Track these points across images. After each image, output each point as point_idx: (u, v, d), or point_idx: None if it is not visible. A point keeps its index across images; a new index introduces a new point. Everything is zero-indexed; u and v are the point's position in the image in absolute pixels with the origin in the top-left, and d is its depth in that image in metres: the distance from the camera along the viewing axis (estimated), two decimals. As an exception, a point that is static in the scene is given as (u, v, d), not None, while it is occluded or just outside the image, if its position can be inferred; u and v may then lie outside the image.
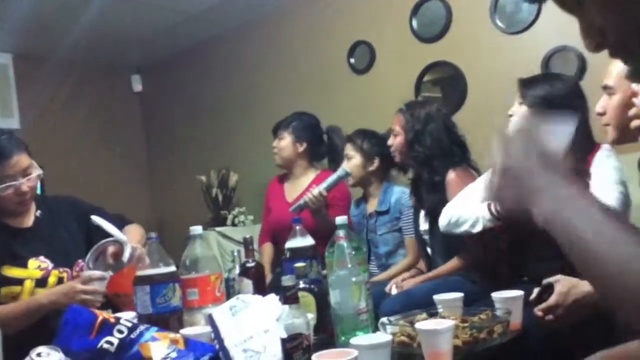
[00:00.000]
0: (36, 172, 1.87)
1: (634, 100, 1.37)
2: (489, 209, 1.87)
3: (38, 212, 1.99)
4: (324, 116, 3.36)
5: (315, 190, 2.63)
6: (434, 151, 2.28)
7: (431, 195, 2.28)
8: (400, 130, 2.38)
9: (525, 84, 1.94)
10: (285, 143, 2.92)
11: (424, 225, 2.41)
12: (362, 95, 3.70)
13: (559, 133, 0.79)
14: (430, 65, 3.41)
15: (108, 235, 1.83)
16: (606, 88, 1.63)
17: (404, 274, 2.43)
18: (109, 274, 1.77)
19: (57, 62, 4.33)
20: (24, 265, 1.87)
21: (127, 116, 5.10)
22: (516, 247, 2.01)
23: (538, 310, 1.56)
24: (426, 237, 2.41)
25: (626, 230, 0.61)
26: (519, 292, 1.57)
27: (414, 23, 3.45)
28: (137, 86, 5.12)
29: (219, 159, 4.42)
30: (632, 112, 1.38)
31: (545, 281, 1.59)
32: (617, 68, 1.51)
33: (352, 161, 2.71)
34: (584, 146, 1.85)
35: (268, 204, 3.06)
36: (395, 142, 2.41)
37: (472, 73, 3.24)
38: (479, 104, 3.18)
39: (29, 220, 1.97)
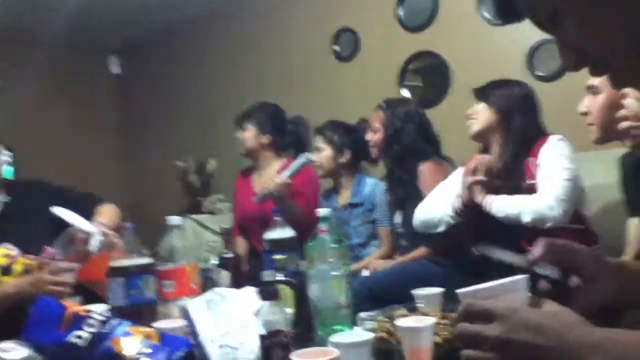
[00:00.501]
0: (1, 157, 1.81)
1: (624, 101, 1.36)
2: (452, 207, 2.04)
3: (5, 198, 1.92)
4: (307, 103, 3.32)
5: (279, 178, 2.60)
6: (409, 150, 2.35)
7: (401, 190, 2.36)
8: (379, 127, 2.42)
9: (485, 88, 2.14)
10: (249, 134, 2.86)
11: (397, 219, 2.46)
12: (347, 82, 3.66)
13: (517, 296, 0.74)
14: (415, 54, 3.38)
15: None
16: (590, 88, 1.63)
17: (374, 260, 2.52)
18: (77, 265, 1.71)
19: (33, 41, 4.21)
20: None
21: (104, 98, 5.00)
22: (477, 236, 2.06)
23: None
24: (400, 230, 2.46)
25: None
26: (483, 285, 1.55)
27: (400, 11, 3.41)
28: (115, 68, 5.01)
29: (197, 144, 4.35)
30: (622, 113, 1.37)
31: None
32: None
33: (323, 153, 2.71)
34: (530, 140, 2.01)
35: (237, 195, 3.03)
36: (375, 138, 2.44)
37: (457, 64, 3.22)
38: (461, 95, 3.15)
39: None
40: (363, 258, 2.61)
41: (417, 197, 2.24)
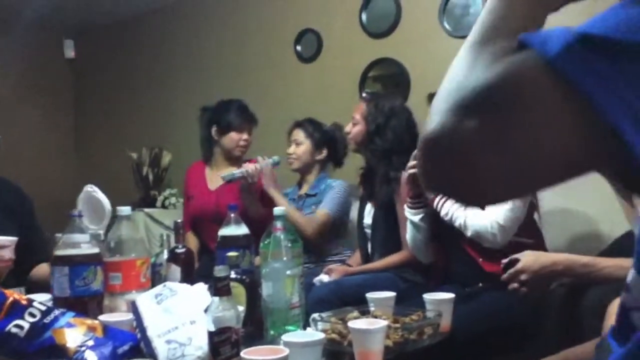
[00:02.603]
0: None
1: None
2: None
3: None
4: (268, 102, 3.28)
5: (259, 164, 2.57)
6: (394, 146, 2.25)
7: (384, 189, 2.25)
8: (360, 120, 2.32)
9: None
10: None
11: (367, 219, 2.39)
12: (308, 83, 3.65)
13: None
14: (376, 60, 3.40)
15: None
16: None
17: (332, 265, 2.40)
18: (14, 239, 1.67)
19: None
20: None
21: (57, 83, 4.83)
22: (447, 251, 2.05)
23: (504, 279, 1.64)
24: (368, 230, 2.39)
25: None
26: (450, 295, 1.58)
27: (364, 16, 3.43)
28: (70, 52, 4.85)
29: (152, 136, 4.25)
30: None
31: (511, 257, 1.67)
32: None
33: (301, 147, 2.69)
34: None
35: (188, 191, 2.92)
36: (354, 130, 2.34)
37: (416, 73, 3.25)
38: (420, 105, 3.19)
39: None
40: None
41: (393, 196, 2.20)
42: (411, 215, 2.03)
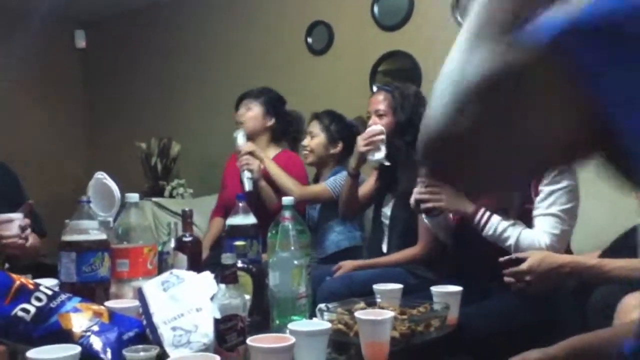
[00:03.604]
0: None
1: None
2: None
3: None
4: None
5: (244, 156, 2.56)
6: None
7: (406, 175, 2.13)
8: (387, 110, 2.21)
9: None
10: (253, 114, 2.76)
11: (387, 209, 2.30)
12: (319, 76, 3.63)
13: None
14: (388, 53, 3.37)
15: None
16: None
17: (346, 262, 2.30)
18: (21, 215, 1.70)
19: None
20: None
21: (68, 73, 4.83)
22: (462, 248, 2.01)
23: (508, 275, 1.59)
24: (386, 221, 2.30)
25: None
26: (457, 288, 1.56)
27: (376, 8, 3.40)
28: (81, 42, 4.85)
29: (162, 126, 4.25)
30: None
31: (515, 255, 1.62)
32: None
33: (316, 139, 2.64)
34: None
35: (225, 179, 2.93)
36: (382, 123, 2.20)
37: (428, 66, 3.23)
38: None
39: None
40: (323, 242, 2.57)
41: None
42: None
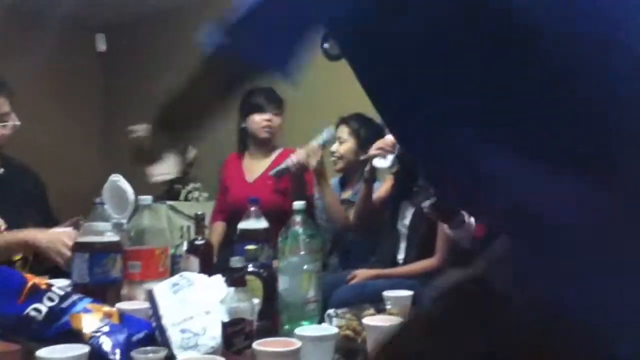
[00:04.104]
0: (13, 121, 1.78)
1: None
2: None
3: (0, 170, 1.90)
4: (293, 100, 3.26)
5: (302, 153, 2.35)
6: None
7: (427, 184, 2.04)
8: None
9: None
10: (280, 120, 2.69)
11: (405, 220, 2.24)
12: (334, 82, 3.62)
13: None
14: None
15: None
16: None
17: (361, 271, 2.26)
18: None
19: (16, 13, 4.10)
20: None
21: (87, 76, 4.90)
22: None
23: None
24: (404, 230, 2.25)
25: None
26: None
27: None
28: (101, 46, 4.92)
29: (179, 131, 4.28)
30: None
31: None
32: None
33: (345, 145, 2.52)
34: None
35: (225, 182, 2.86)
36: None
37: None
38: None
39: None
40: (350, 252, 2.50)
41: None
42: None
